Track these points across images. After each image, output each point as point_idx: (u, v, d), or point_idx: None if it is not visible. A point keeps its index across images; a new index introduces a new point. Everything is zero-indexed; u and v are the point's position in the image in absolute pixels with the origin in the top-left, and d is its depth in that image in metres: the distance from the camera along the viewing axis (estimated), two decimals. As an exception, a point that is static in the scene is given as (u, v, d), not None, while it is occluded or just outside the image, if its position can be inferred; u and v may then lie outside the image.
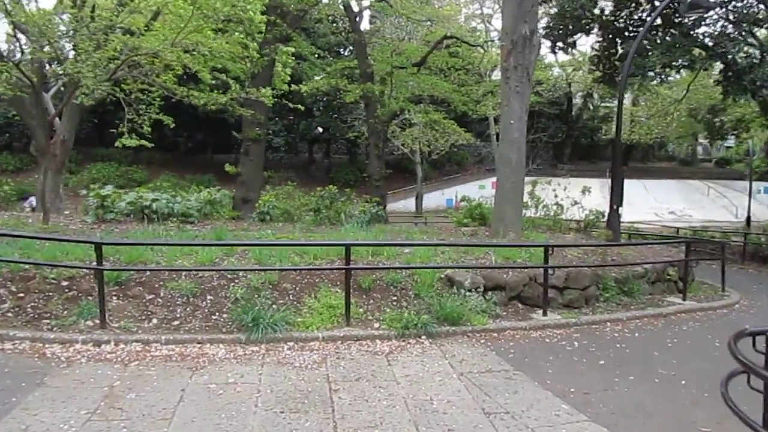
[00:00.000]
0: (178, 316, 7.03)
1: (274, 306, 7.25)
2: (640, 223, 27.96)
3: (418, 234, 11.75)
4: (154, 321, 6.90)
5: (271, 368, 5.92)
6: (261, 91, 11.66)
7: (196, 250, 8.27)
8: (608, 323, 8.28)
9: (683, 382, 5.96)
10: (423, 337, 7.09)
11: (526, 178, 13.00)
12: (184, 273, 7.69)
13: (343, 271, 7.46)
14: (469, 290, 8.06)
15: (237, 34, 10.85)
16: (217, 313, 7.14)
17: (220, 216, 13.67)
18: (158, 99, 12.43)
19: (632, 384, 5.85)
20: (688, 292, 10.28)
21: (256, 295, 7.39)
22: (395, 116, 25.86)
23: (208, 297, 7.37)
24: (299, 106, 14.37)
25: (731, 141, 43.78)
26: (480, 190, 40.87)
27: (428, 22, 26.34)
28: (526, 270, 8.75)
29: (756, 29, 18.30)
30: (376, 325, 7.29)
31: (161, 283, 7.49)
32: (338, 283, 7.88)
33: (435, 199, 42.70)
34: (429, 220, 26.64)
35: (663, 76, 17.75)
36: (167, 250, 8.22)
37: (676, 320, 8.85)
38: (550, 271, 8.34)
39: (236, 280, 7.71)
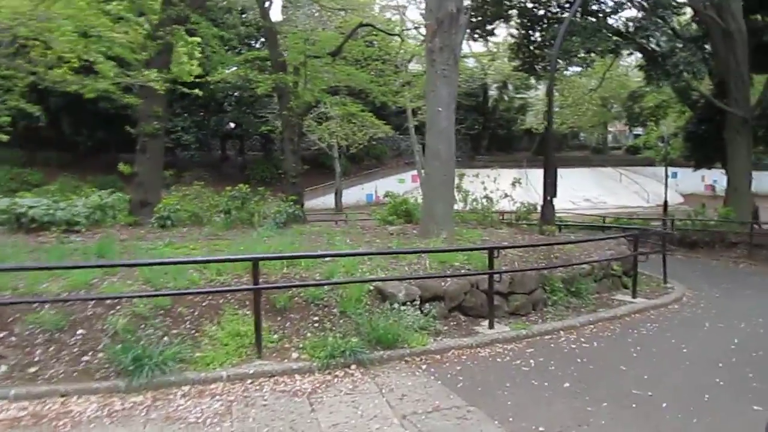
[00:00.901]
0: (36, 359, 5.44)
1: (165, 338, 5.80)
2: (559, 212, 27.87)
3: (341, 236, 10.43)
4: (3, 368, 5.30)
5: (158, 428, 4.51)
6: (145, 74, 9.81)
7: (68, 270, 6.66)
8: (562, 332, 7.32)
9: (664, 404, 5.03)
10: (353, 366, 5.84)
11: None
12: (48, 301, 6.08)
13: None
14: (404, 303, 6.87)
15: (115, 3, 9.05)
16: (90, 353, 5.58)
17: (114, 222, 12.08)
18: (21, 86, 10.47)
19: (608, 413, 4.85)
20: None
21: (142, 325, 5.91)
22: (311, 108, 24.50)
23: (79, 331, 5.78)
24: (196, 91, 12.64)
25: (640, 129, 45.20)
26: (400, 184, 40.21)
27: (342, 12, 25.13)
28: (467, 276, 7.67)
29: (669, 15, 18.21)
30: (295, 355, 5.97)
31: (17, 315, 5.86)
32: (247, 302, 6.48)
33: (354, 194, 41.71)
34: (350, 217, 25.46)
35: (588, 62, 17.29)
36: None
37: (631, 322, 8.03)
38: (495, 277, 7.29)
39: (118, 307, 6.15)
